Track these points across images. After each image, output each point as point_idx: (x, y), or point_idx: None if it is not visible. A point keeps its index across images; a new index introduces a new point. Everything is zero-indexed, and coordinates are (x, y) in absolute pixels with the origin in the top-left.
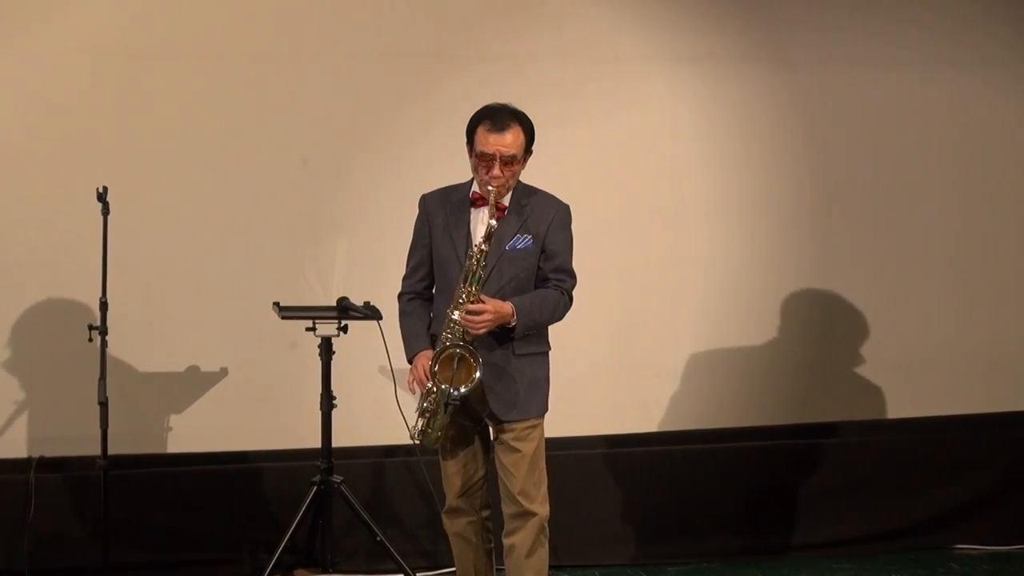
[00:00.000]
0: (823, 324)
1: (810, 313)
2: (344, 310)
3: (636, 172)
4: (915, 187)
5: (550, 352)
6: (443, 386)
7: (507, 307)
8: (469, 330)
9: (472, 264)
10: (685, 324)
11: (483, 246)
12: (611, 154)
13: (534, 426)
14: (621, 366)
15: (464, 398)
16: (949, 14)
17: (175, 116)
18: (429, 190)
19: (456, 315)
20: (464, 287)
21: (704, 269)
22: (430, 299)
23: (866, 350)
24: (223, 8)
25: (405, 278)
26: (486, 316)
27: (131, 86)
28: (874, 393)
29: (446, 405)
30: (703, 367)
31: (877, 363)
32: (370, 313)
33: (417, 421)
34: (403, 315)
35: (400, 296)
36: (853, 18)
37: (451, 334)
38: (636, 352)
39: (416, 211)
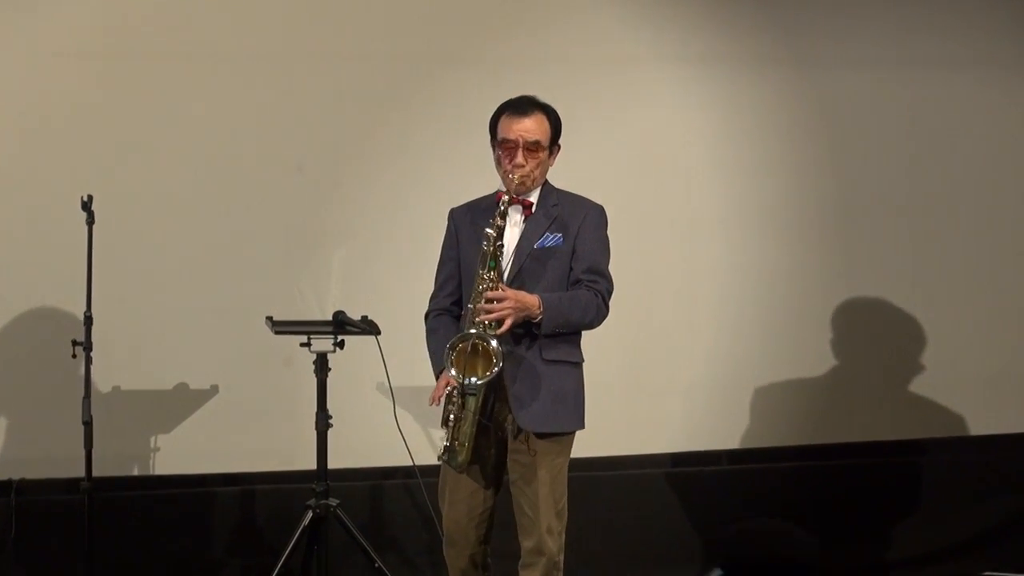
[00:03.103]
0: (847, 339)
1: (832, 327)
2: (340, 325)
3: (647, 179)
4: (943, 192)
5: (583, 364)
6: (454, 373)
7: (531, 298)
8: (488, 320)
9: (488, 245)
10: (699, 338)
11: (499, 221)
12: (621, 160)
13: (560, 445)
14: (631, 383)
15: (491, 402)
16: (973, 14)
17: (163, 121)
18: (433, 199)
19: (476, 307)
20: (482, 273)
21: (719, 280)
22: (459, 317)
23: (892, 367)
24: (213, 8)
25: (432, 297)
26: (506, 303)
27: (117, 90)
28: (900, 412)
29: (464, 399)
30: (719, 384)
31: (902, 381)
32: (368, 328)
33: (445, 436)
34: (430, 332)
35: (426, 316)
36: (874, 18)
37: (471, 328)
38: (647, 368)
39: (414, 220)
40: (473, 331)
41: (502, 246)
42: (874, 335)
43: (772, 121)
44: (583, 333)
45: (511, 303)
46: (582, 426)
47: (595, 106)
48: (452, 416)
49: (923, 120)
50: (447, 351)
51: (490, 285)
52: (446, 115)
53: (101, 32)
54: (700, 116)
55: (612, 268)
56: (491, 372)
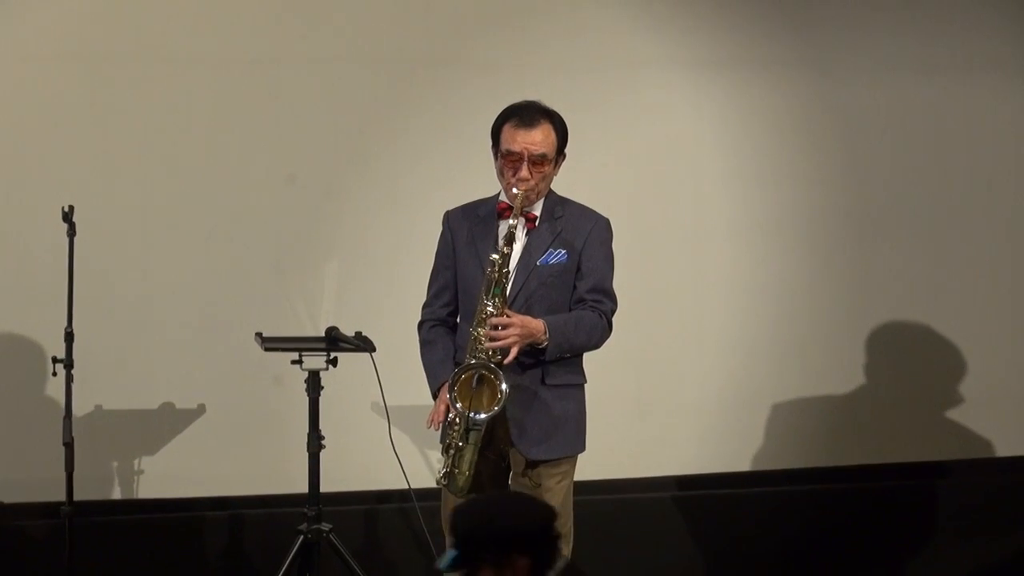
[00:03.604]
0: (863, 355)
1: (848, 343)
2: (334, 341)
3: (654, 188)
4: (967, 201)
5: (585, 385)
6: (459, 406)
7: (537, 323)
8: (494, 348)
9: (493, 272)
10: (708, 355)
11: (504, 249)
12: (627, 169)
13: (562, 469)
14: (636, 402)
15: (491, 428)
16: (996, 17)
17: (147, 128)
18: (432, 210)
19: (480, 333)
20: (487, 300)
21: (729, 295)
22: (455, 327)
23: (912, 385)
24: (198, 9)
25: (426, 305)
26: (512, 330)
27: (98, 94)
28: (922, 432)
29: (467, 433)
30: (728, 403)
31: (923, 399)
32: (362, 345)
33: (444, 463)
34: (424, 345)
35: (420, 325)
36: (893, 20)
37: (474, 356)
38: (653, 386)
39: (419, 228)
40: (475, 362)
41: (508, 273)
42: (893, 351)
43: (786, 128)
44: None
45: (517, 330)
46: (583, 449)
47: (599, 112)
48: (453, 445)
49: (945, 126)
50: (450, 382)
51: (495, 312)
52: (446, 121)
53: (79, 34)
54: (710, 123)
55: (617, 281)
56: (496, 406)
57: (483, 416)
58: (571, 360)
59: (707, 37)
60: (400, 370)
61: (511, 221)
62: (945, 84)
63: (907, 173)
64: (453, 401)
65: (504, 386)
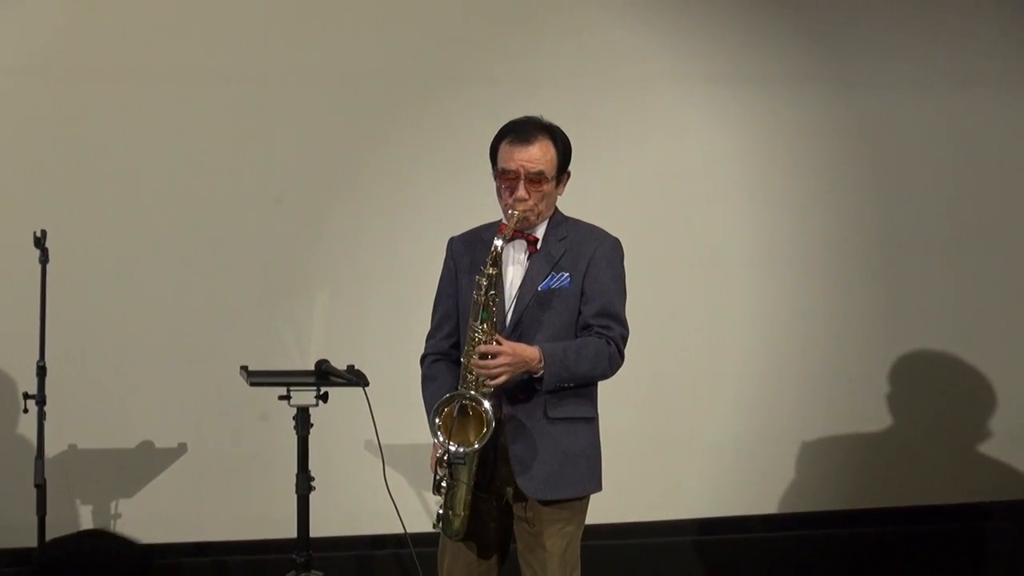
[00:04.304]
0: (894, 390)
1: (877, 377)
2: (324, 375)
3: (667, 210)
4: (1003, 225)
5: (597, 420)
6: (442, 439)
7: (531, 351)
8: (481, 378)
9: (479, 295)
10: (726, 389)
11: (490, 270)
12: (638, 189)
13: (570, 512)
14: (649, 439)
15: (492, 468)
16: None
17: (124, 147)
18: (430, 236)
19: (469, 361)
20: (475, 325)
21: (749, 325)
22: (459, 360)
23: (948, 421)
24: (181, 22)
25: (428, 337)
26: (501, 359)
27: (74, 112)
28: (959, 472)
29: (451, 465)
30: (749, 441)
31: (961, 437)
32: (354, 379)
33: (439, 504)
34: (425, 380)
35: (422, 360)
36: (920, 33)
37: (463, 385)
38: (668, 423)
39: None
40: (460, 391)
41: (495, 295)
42: (924, 383)
43: (807, 146)
44: (597, 383)
45: (507, 359)
46: (598, 488)
47: (610, 130)
48: (444, 483)
49: (976, 144)
50: (432, 415)
51: (483, 338)
52: (446, 141)
53: (55, 48)
54: (727, 141)
55: (627, 309)
56: (481, 439)
57: (464, 450)
58: (579, 391)
59: (724, 50)
60: (395, 406)
61: (497, 242)
62: (975, 100)
63: (936, 194)
64: (434, 433)
65: (491, 416)
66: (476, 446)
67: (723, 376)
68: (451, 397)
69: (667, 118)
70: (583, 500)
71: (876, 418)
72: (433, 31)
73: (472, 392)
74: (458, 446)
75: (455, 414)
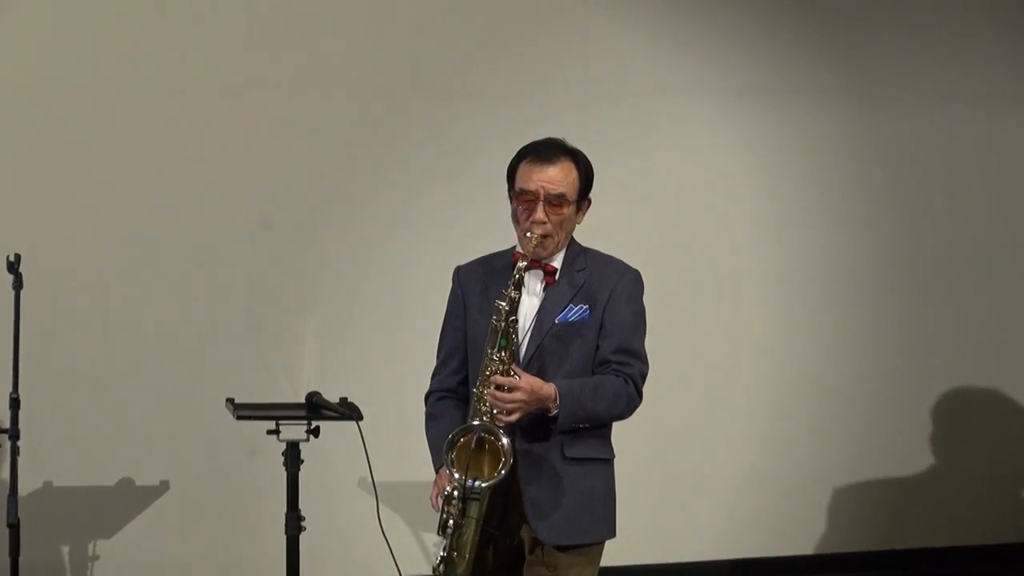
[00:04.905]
0: (927, 424)
1: (908, 410)
2: (315, 408)
3: (676, 232)
4: None
5: (613, 461)
6: (456, 474)
7: (548, 388)
8: (496, 411)
9: (499, 321)
10: (744, 424)
11: (512, 294)
12: (648, 209)
13: (587, 557)
14: (662, 477)
15: (503, 511)
16: None
17: (101, 165)
18: (428, 260)
19: (484, 392)
20: (491, 353)
21: (768, 355)
22: (467, 399)
23: (981, 458)
24: (161, 29)
25: (434, 373)
26: (518, 395)
27: (49, 128)
28: (1000, 511)
29: (465, 504)
30: (769, 479)
31: (999, 473)
32: (347, 412)
33: (442, 546)
34: (430, 419)
35: (427, 397)
36: (949, 44)
37: (477, 417)
38: (681, 459)
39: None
40: (476, 423)
41: (516, 321)
42: (955, 418)
43: (830, 165)
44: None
45: (524, 395)
46: (612, 534)
47: (616, 147)
48: (451, 522)
49: (1009, 162)
50: (446, 447)
51: (500, 368)
52: (444, 158)
53: (28, 62)
54: (744, 158)
55: None
56: (499, 473)
57: (482, 484)
58: (597, 432)
59: (735, 62)
60: (391, 441)
61: (522, 263)
62: (1004, 114)
63: (967, 215)
64: (449, 467)
65: (509, 450)
66: (500, 474)
67: (738, 410)
68: (467, 428)
69: (675, 134)
70: (599, 545)
71: (903, 454)
72: (434, 43)
73: (491, 424)
74: (474, 480)
75: (471, 446)
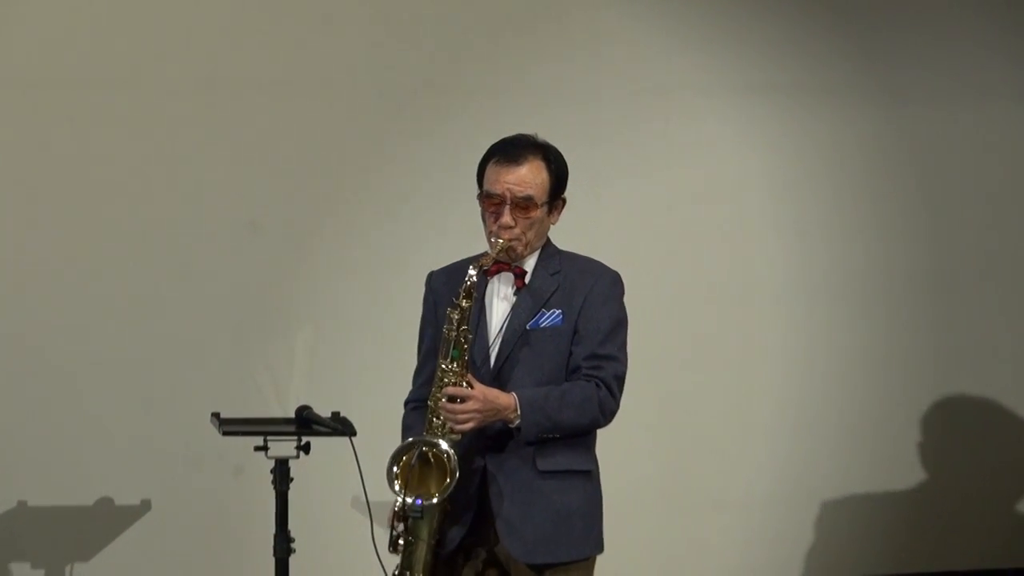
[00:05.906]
0: (945, 442)
1: (925, 428)
2: (305, 423)
3: (690, 238)
4: None
5: (596, 472)
6: (397, 490)
7: (505, 398)
8: (449, 423)
9: (451, 331)
10: (757, 440)
11: (463, 302)
12: (657, 214)
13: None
14: (668, 496)
15: (478, 529)
16: None
17: (77, 165)
18: (422, 266)
19: (435, 405)
20: (443, 364)
21: (783, 369)
22: None
23: (1005, 478)
24: (148, 25)
25: (412, 382)
26: (470, 405)
27: (19, 126)
28: (1014, 534)
29: (406, 519)
30: (781, 498)
31: (1016, 495)
32: (339, 427)
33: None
34: (404, 430)
35: (405, 405)
36: (979, 41)
37: (429, 430)
38: (690, 478)
39: (405, 289)
40: (419, 437)
41: (467, 331)
42: (980, 435)
43: (853, 167)
44: (597, 432)
45: (476, 404)
46: (599, 549)
47: (625, 148)
48: (401, 540)
49: None
50: (389, 462)
51: (453, 379)
52: (437, 157)
53: (7, 59)
54: (756, 159)
55: (645, 352)
56: (443, 492)
57: (421, 503)
58: (574, 442)
59: (753, 58)
60: (384, 457)
61: (471, 271)
62: None
63: (998, 222)
64: (390, 483)
65: (455, 466)
66: (439, 496)
67: (752, 425)
68: (410, 444)
69: (690, 134)
70: (586, 563)
71: (924, 473)
72: (429, 37)
73: (433, 439)
74: (415, 499)
75: (413, 462)
